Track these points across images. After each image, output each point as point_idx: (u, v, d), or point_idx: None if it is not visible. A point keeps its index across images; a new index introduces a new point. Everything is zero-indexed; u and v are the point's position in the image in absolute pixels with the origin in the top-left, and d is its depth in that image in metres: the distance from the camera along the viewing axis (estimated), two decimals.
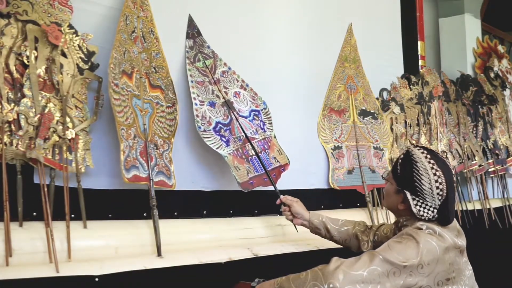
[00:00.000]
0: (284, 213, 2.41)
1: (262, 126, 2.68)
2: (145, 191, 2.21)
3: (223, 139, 2.52)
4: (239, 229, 2.54)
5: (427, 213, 1.84)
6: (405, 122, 3.67)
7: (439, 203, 1.83)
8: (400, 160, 1.93)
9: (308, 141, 3.16)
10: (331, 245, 2.67)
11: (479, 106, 4.50)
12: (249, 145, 2.56)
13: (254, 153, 2.57)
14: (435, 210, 1.84)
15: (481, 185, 4.27)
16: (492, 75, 4.85)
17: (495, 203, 4.35)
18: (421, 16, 4.44)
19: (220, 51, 2.74)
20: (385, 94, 3.68)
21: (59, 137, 2.00)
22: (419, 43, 4.40)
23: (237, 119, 2.58)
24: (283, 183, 2.97)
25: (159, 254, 2.12)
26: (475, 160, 4.21)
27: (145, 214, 2.27)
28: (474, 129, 4.37)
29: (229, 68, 2.69)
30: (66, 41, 2.06)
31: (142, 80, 2.33)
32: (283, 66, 3.07)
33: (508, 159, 4.61)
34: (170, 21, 2.54)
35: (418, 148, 1.92)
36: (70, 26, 2.09)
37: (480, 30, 5.18)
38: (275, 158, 2.68)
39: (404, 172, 1.89)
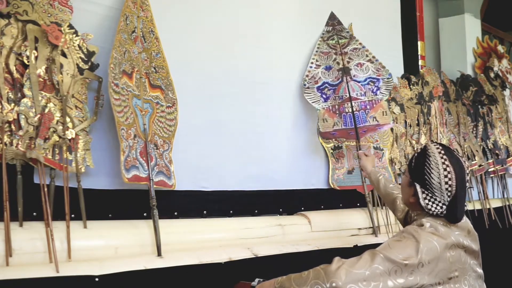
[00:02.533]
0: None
1: (374, 90, 3.22)
2: (145, 191, 2.21)
3: (323, 96, 3.11)
4: (239, 229, 2.54)
5: (435, 208, 1.85)
6: (405, 122, 3.67)
7: (449, 199, 1.84)
8: (416, 154, 1.96)
9: (308, 141, 3.16)
10: (331, 245, 2.68)
11: (479, 106, 4.50)
12: (349, 104, 3.10)
13: (351, 110, 3.08)
14: (444, 206, 1.84)
15: (481, 185, 4.27)
16: (492, 75, 4.85)
17: (495, 203, 4.35)
18: (421, 16, 4.44)
19: (220, 50, 2.75)
20: None
21: (59, 137, 2.00)
22: (419, 43, 4.41)
23: (347, 82, 3.14)
24: (283, 183, 2.98)
25: (159, 254, 2.12)
26: (475, 160, 4.21)
27: (145, 214, 2.27)
28: (474, 129, 4.37)
29: (363, 47, 3.31)
30: (66, 41, 2.06)
31: (142, 80, 2.33)
32: (283, 66, 3.07)
33: (508, 159, 4.61)
34: (171, 20, 2.55)
35: (435, 144, 1.93)
36: (70, 26, 2.09)
37: (480, 30, 5.18)
38: (374, 117, 3.16)
39: (417, 165, 1.90)
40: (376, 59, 3.31)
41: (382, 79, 3.26)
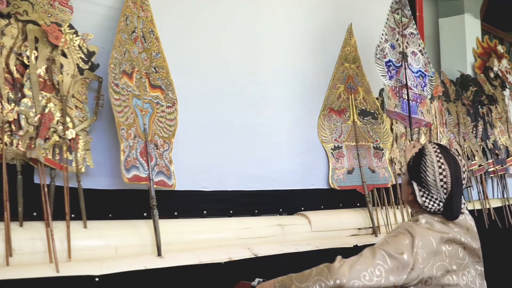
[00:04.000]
0: None
1: (422, 86, 3.25)
2: (145, 191, 2.21)
3: (389, 73, 3.11)
4: (239, 229, 2.54)
5: (432, 205, 1.89)
6: None
7: (445, 196, 1.88)
8: (414, 154, 2.00)
9: (308, 141, 3.16)
10: (331, 245, 2.68)
11: (479, 106, 4.50)
12: (405, 90, 3.12)
13: (407, 97, 3.10)
14: (441, 203, 1.88)
15: (481, 185, 4.27)
16: (492, 75, 4.85)
17: (495, 203, 4.35)
18: (421, 16, 4.44)
19: (220, 50, 2.75)
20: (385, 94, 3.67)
21: (59, 137, 2.00)
22: None
23: (405, 69, 3.16)
24: (283, 183, 2.98)
25: (159, 254, 2.12)
26: (475, 160, 4.21)
27: (145, 214, 2.27)
28: (474, 129, 4.37)
29: (417, 33, 3.32)
30: (66, 41, 2.06)
31: (142, 80, 2.33)
32: (283, 66, 3.07)
33: (508, 159, 4.61)
34: (171, 20, 2.55)
35: (433, 143, 1.99)
36: (70, 26, 2.09)
37: (480, 30, 5.18)
38: (422, 112, 3.22)
39: (414, 163, 1.95)
40: (425, 51, 3.33)
41: (428, 75, 3.30)
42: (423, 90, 3.25)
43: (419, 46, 3.31)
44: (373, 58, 3.10)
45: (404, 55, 3.19)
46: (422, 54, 3.31)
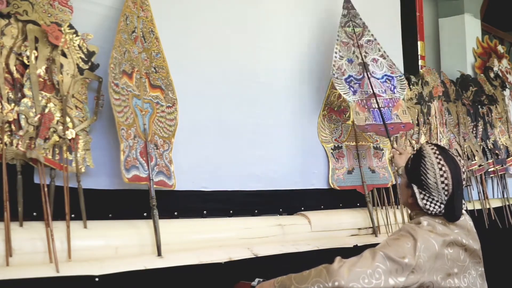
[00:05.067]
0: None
1: (392, 89, 3.17)
2: (145, 191, 2.21)
3: (352, 89, 3.05)
4: (239, 229, 2.54)
5: (434, 207, 1.87)
6: None
7: (446, 198, 1.86)
8: (412, 156, 1.98)
9: (308, 141, 3.16)
10: (331, 245, 2.68)
11: (479, 106, 4.50)
12: (374, 100, 3.03)
13: (377, 106, 3.01)
14: (442, 205, 1.87)
15: (481, 185, 4.27)
16: (492, 75, 4.85)
17: (495, 203, 4.35)
18: (421, 16, 4.44)
19: (220, 50, 2.75)
20: None
21: (59, 137, 2.00)
22: (419, 43, 4.40)
23: (369, 78, 3.09)
24: (283, 183, 2.98)
25: (159, 254, 2.12)
26: (475, 160, 4.21)
27: (145, 214, 2.27)
28: (474, 129, 4.37)
29: (375, 39, 3.26)
30: (66, 41, 2.06)
31: (142, 80, 2.33)
32: (282, 66, 3.07)
33: (508, 159, 4.61)
34: (171, 20, 2.55)
35: (430, 144, 1.97)
36: (70, 26, 2.09)
37: (480, 30, 5.18)
38: (397, 115, 3.12)
39: (413, 166, 1.94)
40: (387, 54, 3.28)
41: (396, 77, 3.22)
42: (393, 93, 3.16)
43: (379, 51, 3.24)
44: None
45: (364, 65, 3.13)
46: (385, 58, 3.25)
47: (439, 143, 3.82)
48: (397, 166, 2.62)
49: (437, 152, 1.90)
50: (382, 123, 2.98)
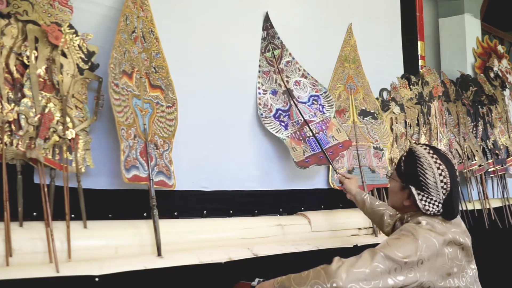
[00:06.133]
0: (340, 187, 2.70)
1: (321, 109, 2.98)
2: (145, 191, 2.21)
3: (282, 124, 2.84)
4: (239, 229, 2.54)
5: (432, 207, 1.86)
6: (405, 122, 3.67)
7: (444, 197, 1.86)
8: (403, 158, 1.97)
9: None
10: (331, 245, 2.68)
11: (479, 106, 4.50)
12: (307, 127, 2.85)
13: (311, 134, 2.83)
14: (440, 205, 1.86)
15: (481, 185, 4.27)
16: (492, 75, 4.85)
17: (495, 203, 4.35)
18: (421, 16, 4.44)
19: (218, 50, 2.75)
20: (385, 94, 3.68)
21: (59, 137, 2.00)
22: (419, 43, 4.41)
23: (296, 105, 2.88)
24: (283, 183, 2.98)
25: (159, 254, 2.12)
26: (475, 160, 4.21)
27: (145, 214, 2.27)
28: (474, 129, 4.37)
29: (293, 58, 2.99)
30: (66, 41, 2.06)
31: (142, 80, 2.33)
32: None
33: (508, 159, 4.61)
34: (171, 20, 2.55)
35: (421, 145, 1.96)
36: (70, 26, 2.09)
37: (480, 30, 5.18)
38: (333, 137, 2.95)
39: (408, 168, 1.92)
40: (307, 72, 3.02)
41: (321, 95, 3.00)
42: (323, 113, 2.96)
43: (299, 70, 2.99)
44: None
45: (289, 92, 2.91)
46: (306, 77, 3.00)
47: (439, 143, 3.83)
48: (350, 192, 2.59)
49: (431, 151, 1.90)
50: (320, 150, 2.82)
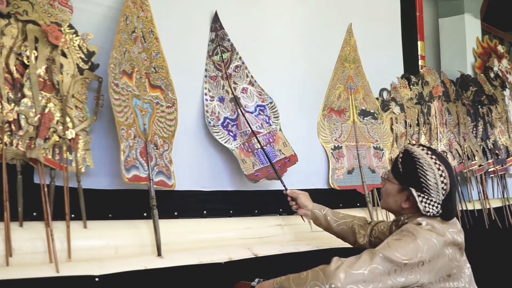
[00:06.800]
0: (290, 203, 2.49)
1: (267, 120, 2.75)
2: (145, 191, 2.21)
3: (231, 133, 2.61)
4: (239, 229, 2.54)
5: (432, 208, 1.85)
6: (405, 122, 3.67)
7: (443, 198, 1.85)
8: (400, 159, 1.94)
9: (308, 141, 3.16)
10: (331, 245, 2.68)
11: (479, 106, 4.50)
12: (255, 139, 2.63)
13: (259, 146, 2.63)
14: (439, 206, 1.85)
15: (481, 185, 4.27)
16: (492, 75, 4.86)
17: (495, 203, 4.35)
18: (421, 16, 4.44)
19: None
20: (385, 94, 3.68)
21: (59, 137, 2.00)
22: (419, 43, 4.41)
23: (243, 115, 2.65)
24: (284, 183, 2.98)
25: (159, 254, 2.12)
26: (475, 160, 4.21)
27: (145, 214, 2.27)
28: (474, 129, 4.37)
29: (243, 63, 2.76)
30: (66, 41, 2.06)
31: (142, 80, 2.33)
32: (282, 66, 3.07)
33: (508, 159, 4.61)
34: (171, 20, 2.55)
35: (417, 146, 1.94)
36: (70, 26, 2.09)
37: (480, 30, 5.18)
38: (280, 150, 2.75)
39: (407, 169, 1.90)
40: (254, 80, 2.79)
41: (267, 105, 2.78)
42: (269, 125, 2.73)
43: (247, 77, 2.74)
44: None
45: (236, 100, 2.65)
46: (253, 85, 2.76)
47: (439, 143, 3.83)
48: (306, 207, 2.42)
49: (429, 152, 1.88)
50: (269, 164, 2.61)
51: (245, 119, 2.64)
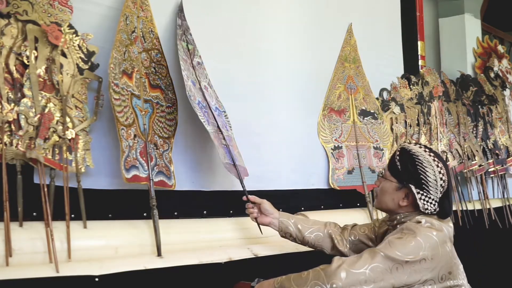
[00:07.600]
0: (249, 211, 2.29)
1: (226, 126, 2.58)
2: (145, 191, 2.21)
3: (206, 116, 2.40)
4: (239, 229, 2.54)
5: (430, 206, 1.86)
6: (405, 122, 3.67)
7: (440, 195, 1.85)
8: (397, 157, 1.93)
9: (308, 141, 3.16)
10: None
11: (479, 106, 4.50)
12: (221, 134, 2.44)
13: (225, 142, 2.44)
14: (436, 203, 1.85)
15: (481, 185, 4.27)
16: (492, 75, 4.86)
17: (495, 203, 4.35)
18: (421, 16, 4.44)
19: (219, 50, 2.74)
20: (385, 94, 3.68)
21: (59, 137, 2.00)
22: (419, 43, 4.41)
23: (210, 108, 2.46)
24: (283, 183, 2.98)
25: (159, 254, 2.12)
26: (475, 160, 4.21)
27: (145, 214, 2.27)
28: (474, 129, 4.37)
29: (202, 62, 2.59)
30: (66, 41, 2.06)
31: (142, 80, 2.33)
32: (283, 66, 3.07)
33: (508, 159, 4.61)
34: (171, 20, 2.55)
35: (414, 144, 1.94)
36: (70, 26, 2.09)
37: (480, 30, 5.18)
38: (239, 153, 2.59)
39: (406, 167, 1.89)
40: (211, 84, 2.60)
41: (222, 112, 2.60)
42: (227, 130, 2.54)
43: (206, 78, 2.58)
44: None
45: (202, 92, 2.47)
46: (211, 87, 2.59)
47: (439, 143, 3.82)
48: (271, 214, 2.25)
49: (427, 149, 1.89)
50: (233, 163, 2.41)
51: (212, 112, 2.44)
